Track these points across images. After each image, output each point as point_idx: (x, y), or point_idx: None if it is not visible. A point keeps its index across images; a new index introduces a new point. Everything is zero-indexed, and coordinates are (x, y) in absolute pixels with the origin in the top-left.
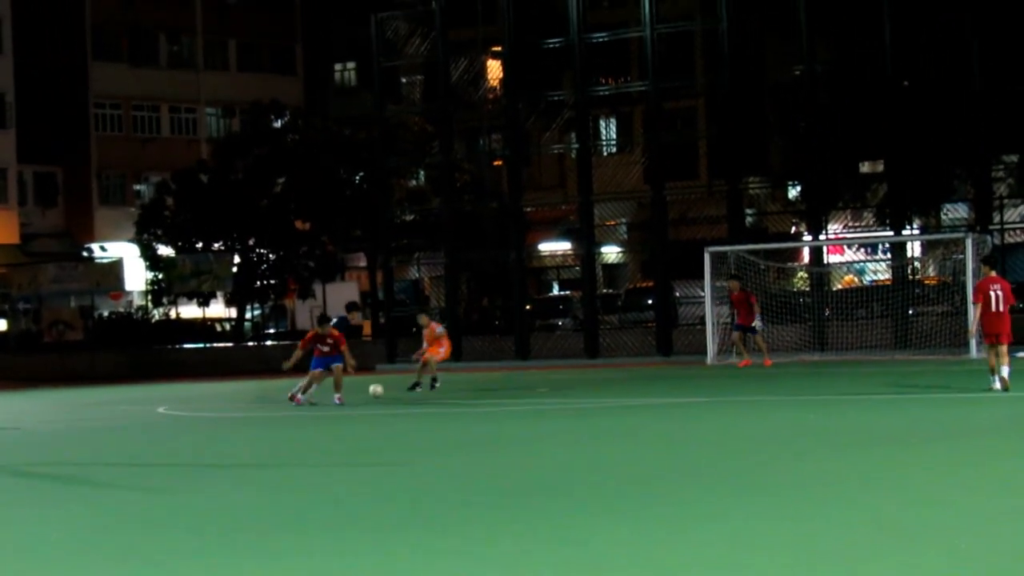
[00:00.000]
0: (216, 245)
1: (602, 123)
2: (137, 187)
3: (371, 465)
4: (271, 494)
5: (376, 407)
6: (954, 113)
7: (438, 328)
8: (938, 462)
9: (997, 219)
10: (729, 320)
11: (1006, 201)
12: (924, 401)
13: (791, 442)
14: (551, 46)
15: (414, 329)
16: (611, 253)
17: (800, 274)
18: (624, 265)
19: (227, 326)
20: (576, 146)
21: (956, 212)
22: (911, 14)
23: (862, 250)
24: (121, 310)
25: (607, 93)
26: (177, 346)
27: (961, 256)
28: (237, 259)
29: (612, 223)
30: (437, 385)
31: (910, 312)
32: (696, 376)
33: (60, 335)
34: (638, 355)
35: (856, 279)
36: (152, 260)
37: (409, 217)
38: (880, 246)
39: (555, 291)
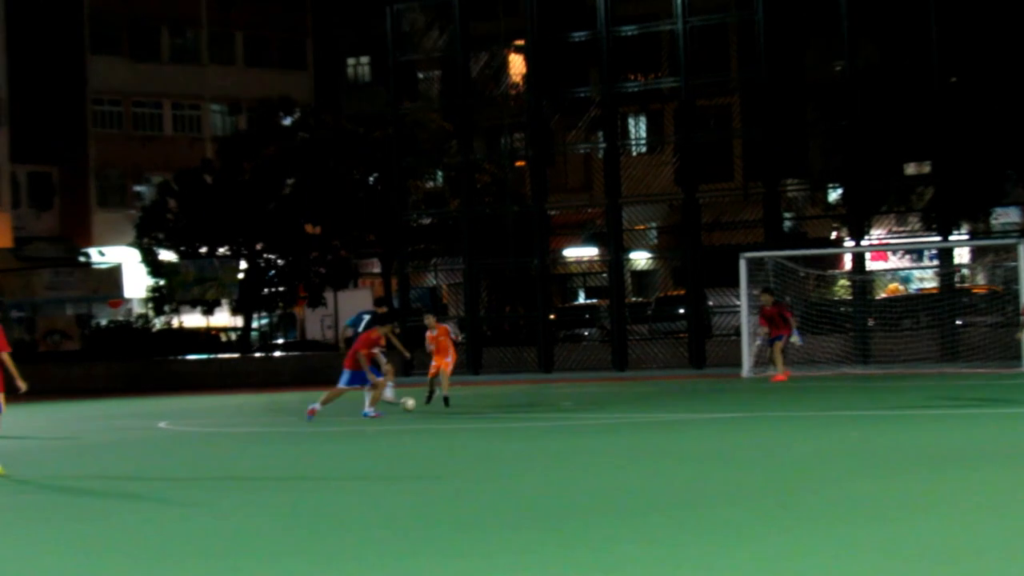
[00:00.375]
0: (221, 250)
1: (631, 121)
2: (137, 188)
3: (387, 482)
4: (284, 515)
5: (388, 423)
6: (1006, 111)
7: (450, 329)
8: (991, 484)
9: None
10: (760, 336)
11: None
12: (975, 417)
13: (833, 462)
14: (577, 40)
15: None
16: (640, 259)
17: (841, 282)
18: (654, 272)
19: (233, 336)
20: (603, 146)
21: (1007, 216)
22: (959, 6)
23: (907, 257)
24: (120, 319)
25: (636, 90)
26: (179, 357)
27: (1013, 263)
28: (243, 265)
29: (641, 227)
30: (448, 404)
31: (958, 323)
32: (731, 390)
33: (56, 345)
34: (669, 368)
35: (901, 287)
36: (153, 266)
37: (426, 220)
38: (926, 252)
39: (581, 299)
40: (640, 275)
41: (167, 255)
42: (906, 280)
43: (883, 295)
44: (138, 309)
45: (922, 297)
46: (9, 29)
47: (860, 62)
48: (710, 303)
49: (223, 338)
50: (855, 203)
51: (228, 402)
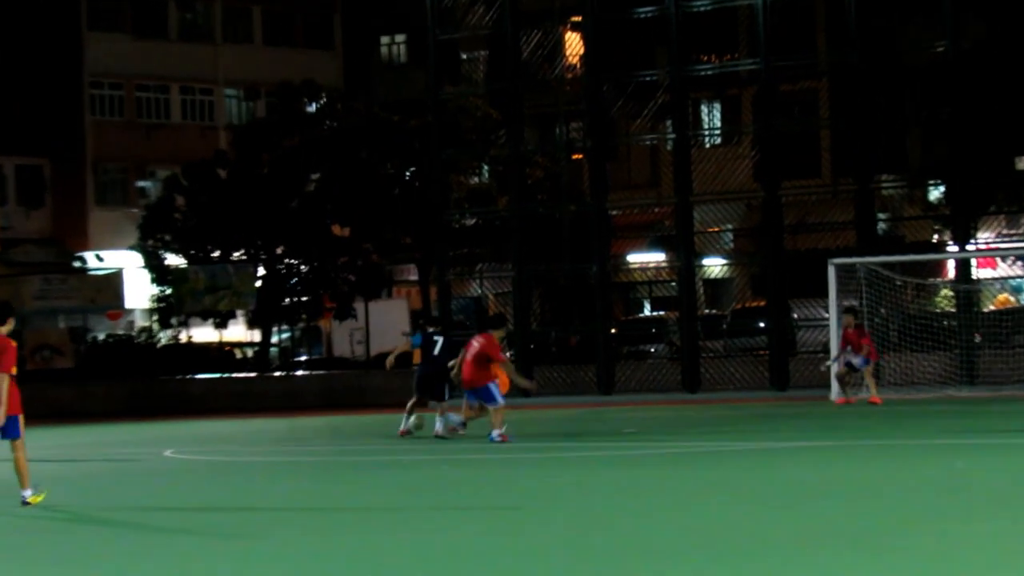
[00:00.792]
0: (236, 254)
1: (704, 108)
2: (141, 183)
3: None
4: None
5: (425, 451)
6: None
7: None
8: None
9: None
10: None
11: None
12: None
13: (937, 496)
14: (642, 16)
15: None
16: (714, 266)
17: (944, 292)
18: (730, 280)
19: (249, 352)
20: (672, 136)
21: None
22: None
23: (1019, 263)
24: (120, 332)
25: (710, 73)
26: (188, 377)
27: None
28: (262, 271)
29: (716, 229)
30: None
31: None
32: (818, 415)
33: (46, 362)
34: (747, 389)
35: (1012, 298)
36: (158, 272)
37: (470, 221)
38: None
39: (646, 312)
40: (714, 284)
41: (174, 260)
42: (1018, 290)
43: (991, 307)
44: (141, 322)
45: None
46: None
47: (965, 42)
48: (794, 316)
49: (238, 355)
50: (959, 202)
51: (244, 428)
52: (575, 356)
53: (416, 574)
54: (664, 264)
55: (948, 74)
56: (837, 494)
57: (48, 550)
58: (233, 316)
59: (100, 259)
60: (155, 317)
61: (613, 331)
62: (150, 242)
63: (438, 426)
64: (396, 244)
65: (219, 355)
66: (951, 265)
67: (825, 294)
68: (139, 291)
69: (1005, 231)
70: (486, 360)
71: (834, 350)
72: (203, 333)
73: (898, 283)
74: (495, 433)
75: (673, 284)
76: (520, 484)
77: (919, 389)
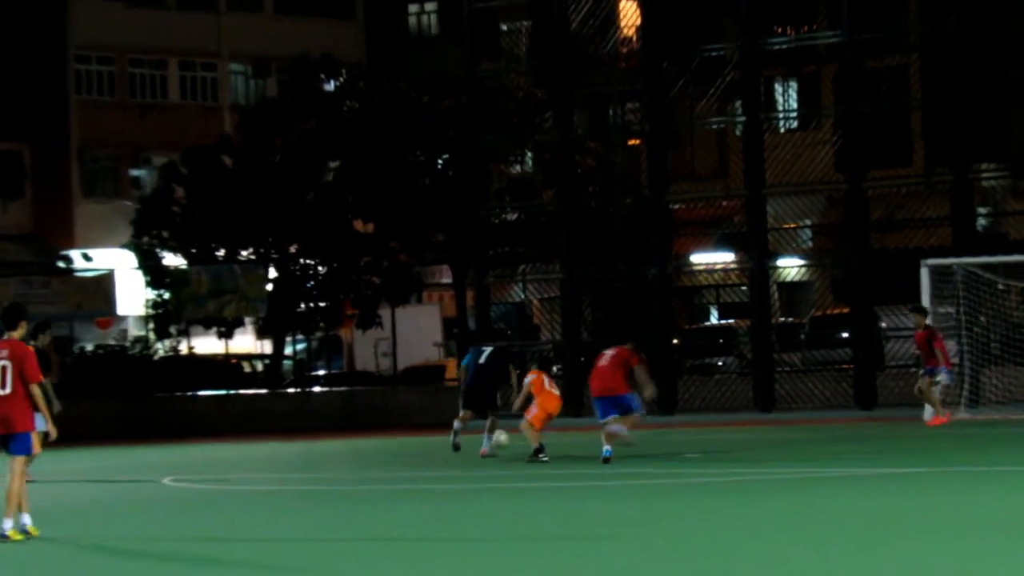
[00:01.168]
0: (244, 253)
1: (778, 88)
2: (135, 172)
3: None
4: None
5: (462, 479)
6: None
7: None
8: None
9: None
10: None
11: None
12: None
13: None
14: None
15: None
16: (791, 267)
17: None
18: (809, 284)
19: (259, 366)
20: (742, 119)
21: None
22: None
23: None
24: (112, 342)
25: (785, 47)
26: (189, 394)
27: None
28: (273, 273)
29: (792, 226)
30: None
31: None
32: (911, 437)
33: None
34: (829, 408)
35: None
36: (155, 273)
37: (511, 216)
38: None
39: (713, 320)
40: (790, 288)
41: (173, 260)
42: None
43: None
44: (135, 330)
45: None
46: None
47: None
48: (882, 324)
49: (247, 368)
50: None
51: (253, 452)
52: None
53: None
54: (733, 266)
55: None
56: (932, 529)
57: None
58: (240, 324)
59: (88, 259)
60: (151, 325)
61: (675, 342)
62: (145, 239)
63: (485, 445)
64: (427, 242)
65: (225, 369)
66: None
67: (917, 300)
68: (133, 295)
69: None
70: (625, 365)
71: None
72: (206, 344)
73: (1000, 287)
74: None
75: (743, 288)
76: (574, 515)
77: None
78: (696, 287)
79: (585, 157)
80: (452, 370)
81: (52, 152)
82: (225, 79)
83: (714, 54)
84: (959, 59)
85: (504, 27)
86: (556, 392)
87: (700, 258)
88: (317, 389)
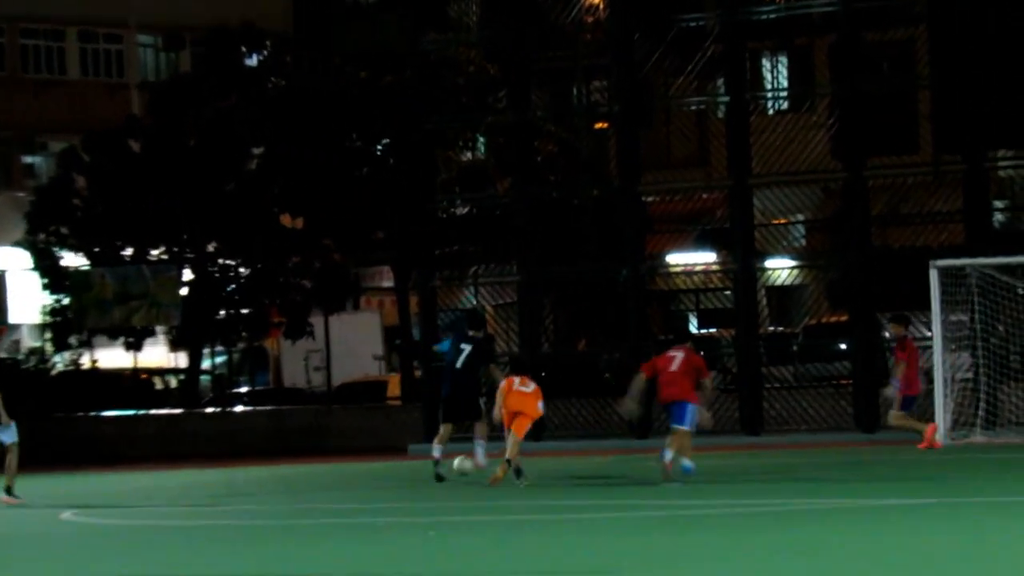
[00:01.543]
0: (155, 253)
1: (765, 63)
2: (28, 159)
3: None
4: None
5: (409, 511)
6: None
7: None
8: None
9: None
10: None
11: None
12: None
13: None
14: None
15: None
16: (781, 269)
17: None
18: (802, 288)
19: (173, 382)
20: (725, 99)
21: None
22: None
23: None
24: (3, 355)
25: (773, 16)
26: (92, 414)
27: None
28: (188, 275)
29: (782, 221)
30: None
31: None
32: (918, 463)
33: None
34: (825, 430)
35: None
36: (53, 275)
37: (462, 210)
38: None
39: (692, 328)
40: (781, 293)
41: (73, 259)
42: None
43: None
44: (29, 341)
45: None
46: None
47: None
48: (885, 334)
49: (158, 385)
50: None
51: (167, 481)
52: (600, 387)
53: None
54: (715, 267)
55: None
56: (946, 570)
57: None
58: (151, 334)
59: None
60: (48, 335)
61: (650, 353)
62: (41, 236)
63: (479, 456)
64: (365, 240)
65: (133, 385)
66: None
67: (926, 306)
68: (27, 301)
69: None
70: (696, 373)
71: (939, 380)
72: (112, 356)
73: (1020, 291)
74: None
75: (727, 293)
76: (541, 554)
77: None
78: (673, 291)
79: (545, 142)
80: (395, 386)
81: None
82: (132, 52)
83: (693, 25)
84: (972, 31)
85: None
86: (527, 389)
87: (677, 258)
88: (239, 409)
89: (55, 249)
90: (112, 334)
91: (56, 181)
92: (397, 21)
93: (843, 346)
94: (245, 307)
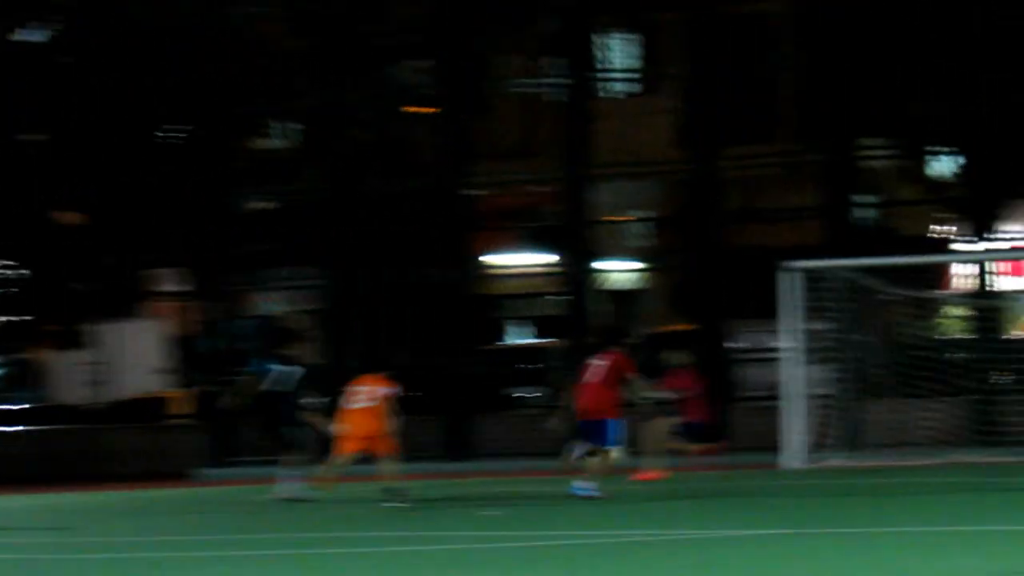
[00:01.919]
0: None
1: (606, 41)
2: None
3: None
4: None
5: (197, 544)
6: None
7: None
8: None
9: None
10: None
11: None
12: None
13: None
14: None
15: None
16: (620, 271)
17: (952, 311)
18: (643, 293)
19: None
20: (561, 81)
21: None
22: None
23: None
24: None
25: None
26: None
27: None
28: None
29: (623, 219)
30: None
31: None
32: (767, 490)
33: None
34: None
35: None
36: None
37: (261, 204)
38: None
39: (519, 338)
40: (621, 298)
41: None
42: None
43: (1021, 332)
44: None
45: None
46: None
47: None
48: (736, 345)
49: None
50: (978, 179)
51: None
52: (415, 403)
53: None
54: (547, 269)
55: None
56: None
57: None
58: None
59: None
60: None
61: (471, 367)
62: None
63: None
64: (149, 239)
65: None
66: (962, 271)
67: (774, 314)
68: None
69: None
70: (618, 380)
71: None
72: None
73: (886, 297)
74: (584, 485)
75: (558, 298)
76: None
77: (914, 452)
78: (499, 296)
79: (360, 130)
80: (180, 404)
81: None
82: None
83: None
84: (838, 7)
85: None
86: (356, 406)
87: (504, 259)
88: (2, 429)
89: None
90: None
91: None
92: None
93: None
94: (9, 315)
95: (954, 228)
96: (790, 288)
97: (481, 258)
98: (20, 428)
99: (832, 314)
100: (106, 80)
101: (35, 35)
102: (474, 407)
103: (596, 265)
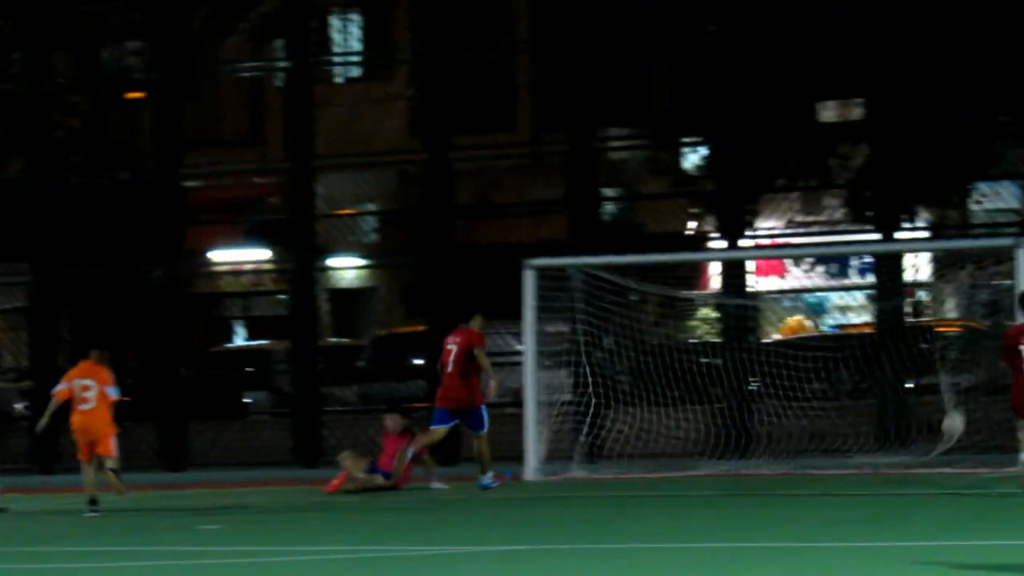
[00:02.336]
0: None
1: (335, 23)
2: None
3: None
4: None
5: None
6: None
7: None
8: None
9: None
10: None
11: None
12: (937, 551)
13: None
14: None
15: None
16: (347, 268)
17: (703, 312)
18: (372, 292)
19: None
20: (284, 65)
21: (997, 198)
22: None
23: (819, 268)
24: None
25: None
26: None
27: (1008, 283)
28: None
29: (350, 212)
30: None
31: (911, 385)
32: (506, 501)
33: None
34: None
35: (808, 322)
36: None
37: None
38: (854, 261)
39: (240, 340)
40: (347, 297)
41: None
42: (818, 310)
43: (777, 336)
44: None
45: (846, 339)
46: None
47: None
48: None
49: None
50: (731, 172)
51: None
52: (129, 409)
53: None
54: (268, 266)
55: None
56: None
57: None
58: None
59: None
60: None
61: (187, 370)
62: None
63: None
64: None
65: None
66: (716, 270)
67: (520, 315)
68: None
69: (799, 218)
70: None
71: (531, 403)
72: None
73: (633, 298)
74: (488, 477)
75: (283, 297)
76: None
77: (658, 464)
78: (217, 294)
79: (68, 116)
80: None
81: None
82: None
83: None
84: None
85: None
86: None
87: (224, 255)
88: None
89: None
90: None
91: None
92: None
93: (419, 361)
94: None
95: (707, 224)
96: (532, 286)
97: (201, 254)
98: None
99: (575, 315)
100: None
101: None
102: (193, 413)
103: (324, 262)
